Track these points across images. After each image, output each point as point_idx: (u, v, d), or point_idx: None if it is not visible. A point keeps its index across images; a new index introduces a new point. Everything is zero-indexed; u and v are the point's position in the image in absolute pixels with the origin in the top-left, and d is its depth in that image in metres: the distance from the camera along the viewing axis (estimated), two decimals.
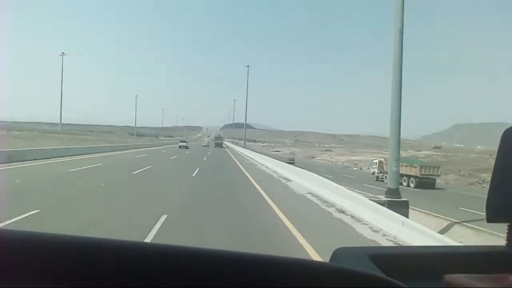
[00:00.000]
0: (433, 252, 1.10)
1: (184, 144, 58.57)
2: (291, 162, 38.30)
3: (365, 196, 13.15)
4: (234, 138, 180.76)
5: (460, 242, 10.98)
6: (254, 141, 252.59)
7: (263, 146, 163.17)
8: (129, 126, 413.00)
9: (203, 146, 72.45)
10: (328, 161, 71.23)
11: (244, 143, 61.52)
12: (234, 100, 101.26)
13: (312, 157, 77.32)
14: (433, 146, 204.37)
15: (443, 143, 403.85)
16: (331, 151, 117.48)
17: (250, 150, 51.87)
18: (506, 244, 0.96)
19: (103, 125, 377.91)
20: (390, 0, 14.56)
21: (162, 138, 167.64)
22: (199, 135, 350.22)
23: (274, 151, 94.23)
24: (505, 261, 0.94)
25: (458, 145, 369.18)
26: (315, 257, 6.42)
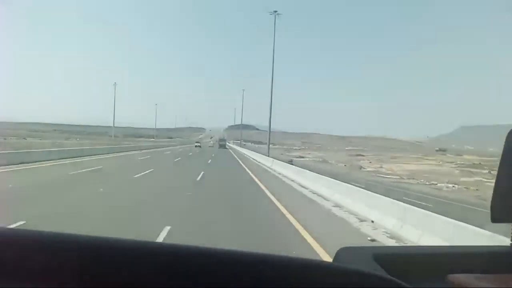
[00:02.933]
0: (436, 252, 1.08)
1: (199, 144, 73.26)
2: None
3: None
4: (239, 140, 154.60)
5: None
6: (261, 142, 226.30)
7: (272, 147, 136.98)
8: (129, 127, 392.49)
9: (209, 146, 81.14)
10: (395, 175, 45.06)
11: (268, 150, 34.38)
12: (243, 89, 76.72)
13: (361, 168, 50.94)
14: (436, 148, 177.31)
15: (453, 145, 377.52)
16: (363, 155, 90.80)
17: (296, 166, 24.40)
18: (510, 244, 0.95)
19: (102, 126, 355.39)
20: None
21: (154, 140, 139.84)
22: (201, 136, 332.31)
23: (297, 157, 67.97)
24: (509, 261, 0.93)
25: (469, 147, 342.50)
26: None
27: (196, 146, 70.47)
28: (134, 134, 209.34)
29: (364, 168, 51.15)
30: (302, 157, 70.11)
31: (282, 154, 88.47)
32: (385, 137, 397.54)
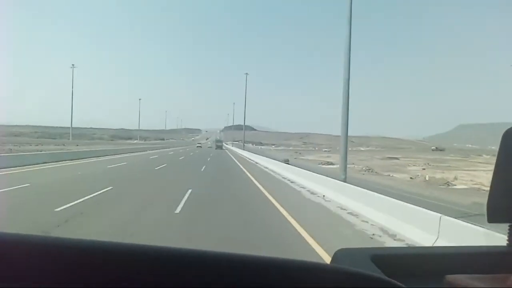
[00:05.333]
0: (434, 253, 1.05)
1: (200, 145, 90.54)
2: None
3: None
4: (238, 140, 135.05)
5: None
6: (260, 143, 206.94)
7: (272, 149, 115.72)
8: (123, 129, 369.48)
9: (208, 147, 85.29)
10: None
11: (344, 165, 14.26)
12: (245, 75, 57.11)
13: (447, 184, 31.54)
14: (433, 148, 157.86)
15: (455, 144, 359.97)
16: (397, 158, 71.40)
17: None
18: (507, 244, 0.93)
19: (95, 128, 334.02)
20: None
21: (135, 141, 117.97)
22: (197, 137, 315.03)
23: (323, 163, 48.54)
24: (506, 261, 0.91)
25: (470, 145, 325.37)
26: None
27: (197, 146, 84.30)
28: (125, 136, 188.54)
29: (452, 184, 31.49)
30: (330, 164, 50.07)
31: (295, 158, 68.71)
32: (384, 136, 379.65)
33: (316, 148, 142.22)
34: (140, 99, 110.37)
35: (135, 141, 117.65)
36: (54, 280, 0.51)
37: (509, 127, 0.86)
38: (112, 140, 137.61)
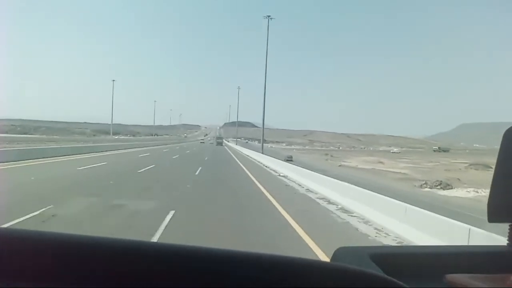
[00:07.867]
0: (434, 252, 1.04)
1: (203, 141, 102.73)
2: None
3: None
4: (240, 138, 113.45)
5: None
6: (265, 141, 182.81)
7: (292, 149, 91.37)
8: (120, 124, 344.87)
9: (210, 143, 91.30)
10: None
11: None
12: (267, 18, 36.28)
13: None
14: (435, 148, 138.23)
15: (462, 143, 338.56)
16: (490, 167, 47.90)
17: None
18: (507, 244, 0.92)
19: (90, 123, 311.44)
20: None
21: (118, 137, 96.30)
22: (196, 133, 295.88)
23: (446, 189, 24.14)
24: (507, 261, 0.90)
25: (477, 145, 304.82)
26: None
27: (201, 142, 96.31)
28: (118, 131, 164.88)
29: None
30: (449, 187, 25.71)
31: (339, 165, 44.45)
32: (390, 135, 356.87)
33: (340, 148, 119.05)
34: (113, 81, 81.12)
35: (117, 137, 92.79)
36: (52, 279, 0.48)
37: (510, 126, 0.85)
38: (94, 135, 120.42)
